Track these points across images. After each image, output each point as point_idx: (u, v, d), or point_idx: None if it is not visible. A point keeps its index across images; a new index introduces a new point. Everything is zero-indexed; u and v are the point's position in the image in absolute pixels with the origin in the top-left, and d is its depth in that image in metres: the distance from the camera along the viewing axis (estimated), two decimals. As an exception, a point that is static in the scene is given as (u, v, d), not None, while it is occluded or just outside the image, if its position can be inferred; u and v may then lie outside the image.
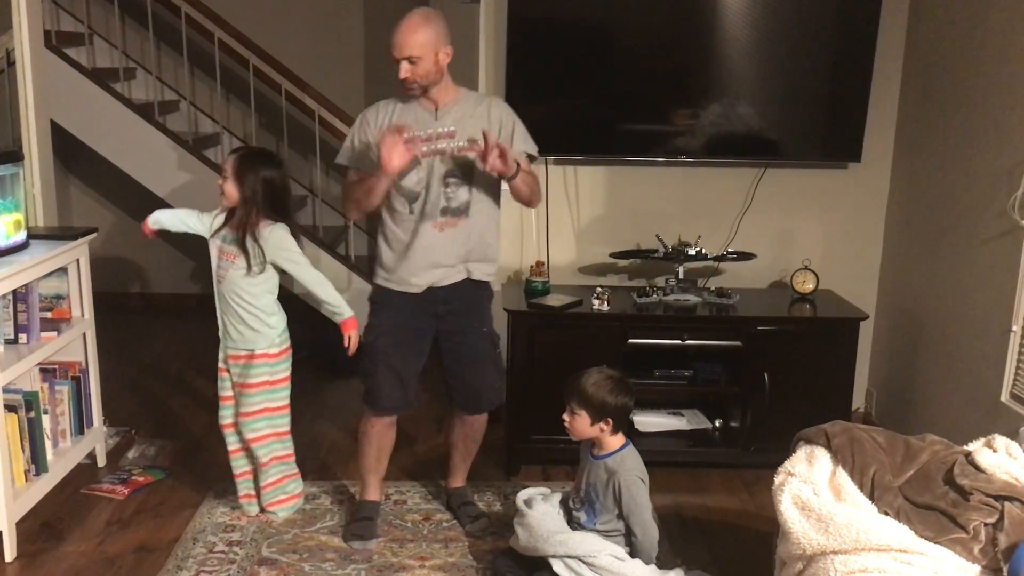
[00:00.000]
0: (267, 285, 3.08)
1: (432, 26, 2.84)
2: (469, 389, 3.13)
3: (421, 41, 2.81)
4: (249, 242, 3.00)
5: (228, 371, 3.17)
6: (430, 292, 3.00)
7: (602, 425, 2.76)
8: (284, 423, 3.21)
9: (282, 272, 3.11)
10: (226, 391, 3.18)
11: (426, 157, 2.90)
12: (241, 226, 3.01)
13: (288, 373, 3.19)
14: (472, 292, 3.06)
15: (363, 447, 3.20)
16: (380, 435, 3.16)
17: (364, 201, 2.92)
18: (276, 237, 3.02)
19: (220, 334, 3.16)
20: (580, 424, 2.77)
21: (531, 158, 3.05)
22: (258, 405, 3.12)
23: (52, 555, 2.99)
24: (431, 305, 3.02)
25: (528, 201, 3.03)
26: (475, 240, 3.01)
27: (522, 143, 3.01)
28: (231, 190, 3.02)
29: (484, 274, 3.07)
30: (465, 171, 2.93)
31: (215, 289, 3.12)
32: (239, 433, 3.17)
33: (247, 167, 3.01)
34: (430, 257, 2.97)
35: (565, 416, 2.79)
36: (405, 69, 2.83)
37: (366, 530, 3.13)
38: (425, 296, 3.00)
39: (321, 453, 3.81)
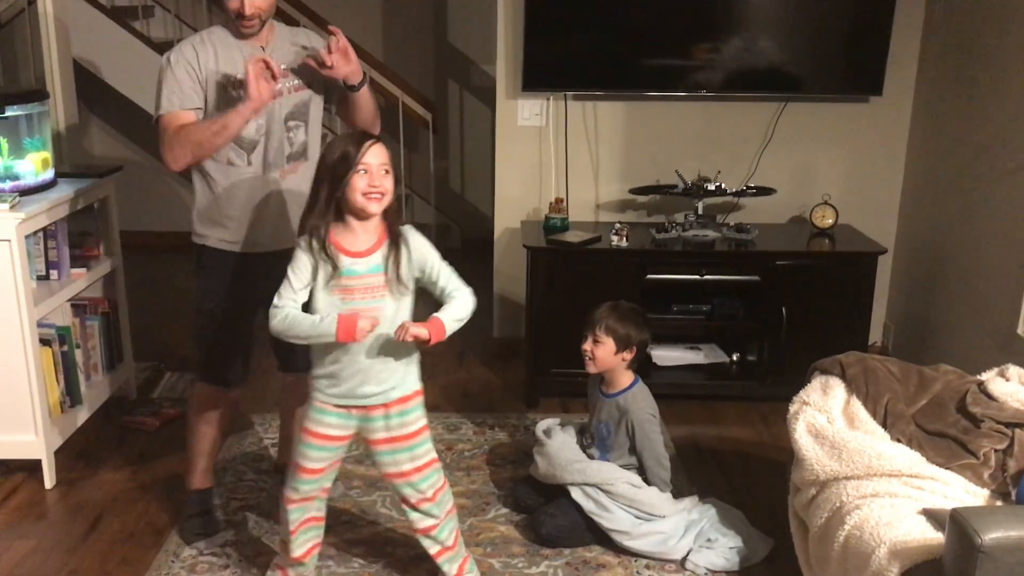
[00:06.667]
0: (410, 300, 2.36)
1: None
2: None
3: None
4: (403, 255, 2.28)
5: (338, 436, 2.36)
6: (275, 250, 2.62)
7: (625, 354, 2.79)
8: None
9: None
10: (321, 462, 2.37)
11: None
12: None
13: None
14: None
15: (195, 426, 2.83)
16: (216, 411, 2.80)
17: (212, 141, 2.49)
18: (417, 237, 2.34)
19: (338, 391, 2.33)
20: (604, 352, 2.78)
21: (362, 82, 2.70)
22: (428, 455, 2.41)
23: (89, 482, 3.10)
24: (271, 261, 2.58)
25: (372, 121, 2.68)
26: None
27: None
28: None
29: None
30: (303, 110, 2.65)
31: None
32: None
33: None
34: (278, 210, 2.65)
35: (586, 346, 2.80)
36: (251, 3, 2.48)
37: (208, 525, 2.81)
38: (269, 255, 2.62)
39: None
